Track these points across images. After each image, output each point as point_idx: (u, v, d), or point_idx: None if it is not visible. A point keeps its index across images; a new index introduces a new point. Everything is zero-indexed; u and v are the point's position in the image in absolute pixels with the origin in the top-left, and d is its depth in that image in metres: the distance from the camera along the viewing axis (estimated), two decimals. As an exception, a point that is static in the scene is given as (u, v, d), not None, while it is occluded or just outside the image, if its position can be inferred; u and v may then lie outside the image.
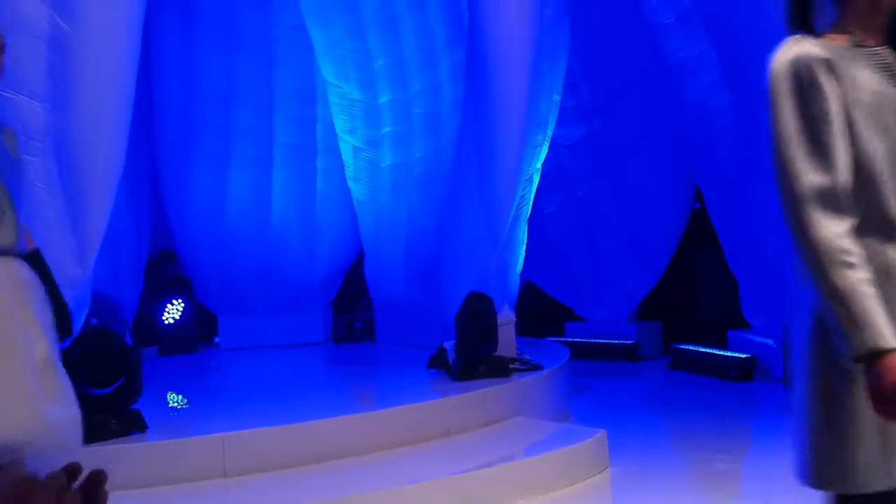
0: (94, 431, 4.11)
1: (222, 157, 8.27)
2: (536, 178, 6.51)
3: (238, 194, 8.32)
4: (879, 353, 1.75)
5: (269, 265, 8.37)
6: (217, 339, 8.46)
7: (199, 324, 8.38)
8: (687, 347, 8.06)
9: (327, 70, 7.98)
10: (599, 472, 4.54)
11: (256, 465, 4.16)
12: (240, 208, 8.32)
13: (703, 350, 7.84)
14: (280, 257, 8.38)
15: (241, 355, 7.97)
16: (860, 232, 1.88)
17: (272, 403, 5.37)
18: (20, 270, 2.96)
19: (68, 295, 4.47)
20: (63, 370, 2.99)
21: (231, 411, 5.28)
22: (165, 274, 8.64)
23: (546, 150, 6.61)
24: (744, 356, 7.30)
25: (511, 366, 5.63)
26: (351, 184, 8.18)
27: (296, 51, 8.28)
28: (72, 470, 0.95)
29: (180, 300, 8.19)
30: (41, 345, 2.78)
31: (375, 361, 7.69)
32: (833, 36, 2.08)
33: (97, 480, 0.94)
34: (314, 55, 8.10)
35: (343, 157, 8.18)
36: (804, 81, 1.99)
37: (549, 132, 6.61)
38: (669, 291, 8.93)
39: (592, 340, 8.75)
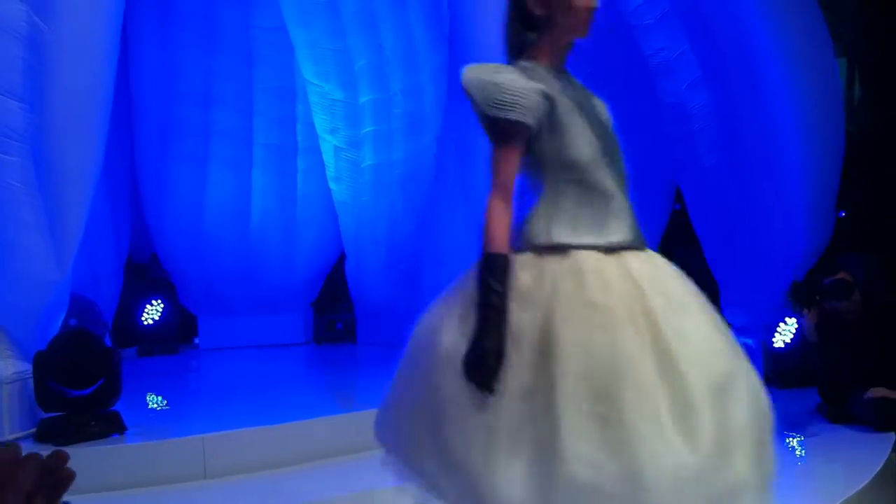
0: (73, 432, 4.09)
1: (202, 157, 8.22)
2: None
3: (218, 194, 8.27)
4: None
5: (250, 265, 8.34)
6: (196, 340, 8.41)
7: (179, 324, 8.33)
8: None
9: (308, 69, 7.96)
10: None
11: (237, 467, 4.15)
12: (220, 208, 8.27)
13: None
14: (260, 257, 8.35)
15: (221, 356, 7.93)
16: None
17: (252, 404, 5.35)
18: (647, 266, 2.31)
19: (46, 297, 4.44)
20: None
21: (211, 412, 5.25)
22: (153, 275, 8.58)
23: (527, 151, 6.62)
24: (724, 356, 7.32)
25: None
26: (332, 184, 8.16)
27: (276, 50, 8.25)
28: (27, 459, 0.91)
29: (160, 301, 8.14)
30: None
31: (356, 362, 7.68)
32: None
33: (59, 459, 0.91)
34: (294, 54, 8.08)
35: (324, 156, 8.16)
36: None
37: (530, 133, 6.62)
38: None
39: (573, 340, 8.75)
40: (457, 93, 6.18)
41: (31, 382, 4.24)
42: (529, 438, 2.05)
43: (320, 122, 8.05)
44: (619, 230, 2.33)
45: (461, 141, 6.10)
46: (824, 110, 6.71)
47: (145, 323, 8.09)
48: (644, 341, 2.12)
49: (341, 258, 8.51)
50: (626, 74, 8.43)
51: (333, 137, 8.02)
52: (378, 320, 7.75)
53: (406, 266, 7.17)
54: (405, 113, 7.38)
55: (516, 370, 2.10)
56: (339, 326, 8.45)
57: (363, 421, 4.64)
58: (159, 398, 5.89)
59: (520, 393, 2.09)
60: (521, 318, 2.16)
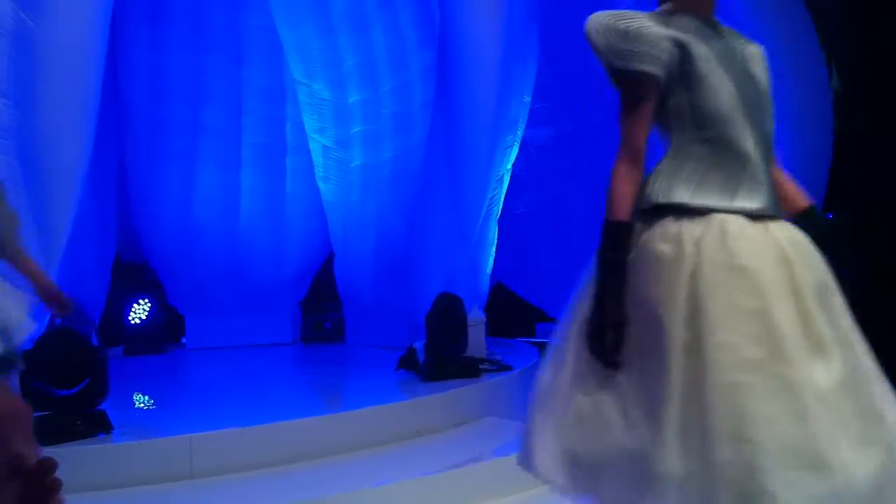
0: (59, 432, 4.06)
1: (190, 156, 8.20)
2: (506, 179, 6.52)
3: (206, 194, 8.25)
4: None
5: (238, 265, 8.31)
6: (184, 340, 8.38)
7: (166, 324, 8.30)
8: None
9: (297, 69, 7.94)
10: (568, 472, 4.54)
11: (224, 467, 4.13)
12: (208, 208, 8.25)
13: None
14: (248, 257, 8.32)
15: (209, 355, 7.90)
16: None
17: (240, 404, 5.33)
18: (780, 236, 2.06)
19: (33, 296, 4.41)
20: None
21: (198, 412, 5.23)
22: (143, 276, 8.55)
23: (516, 151, 6.62)
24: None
25: (481, 366, 5.63)
26: (320, 183, 8.14)
27: (265, 49, 8.23)
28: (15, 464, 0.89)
29: (147, 300, 8.10)
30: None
31: (344, 362, 7.67)
32: None
33: (47, 467, 0.88)
34: (283, 54, 8.06)
35: (312, 156, 8.14)
36: None
37: (520, 133, 6.62)
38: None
39: (562, 341, 8.75)
40: (445, 91, 6.19)
41: (16, 381, 4.21)
42: (684, 413, 1.92)
43: (309, 121, 8.04)
44: (753, 196, 2.12)
45: (449, 140, 6.09)
46: (811, 111, 6.73)
47: (132, 322, 8.05)
48: (793, 311, 1.98)
49: (330, 257, 8.49)
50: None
51: (322, 137, 8.00)
52: (366, 320, 7.73)
53: (394, 266, 7.15)
54: (394, 113, 7.37)
55: (672, 347, 1.96)
56: (327, 326, 8.43)
57: (351, 421, 4.64)
58: (146, 398, 5.87)
59: (675, 372, 1.95)
60: (668, 296, 2.01)
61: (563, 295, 8.44)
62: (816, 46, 6.77)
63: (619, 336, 2.04)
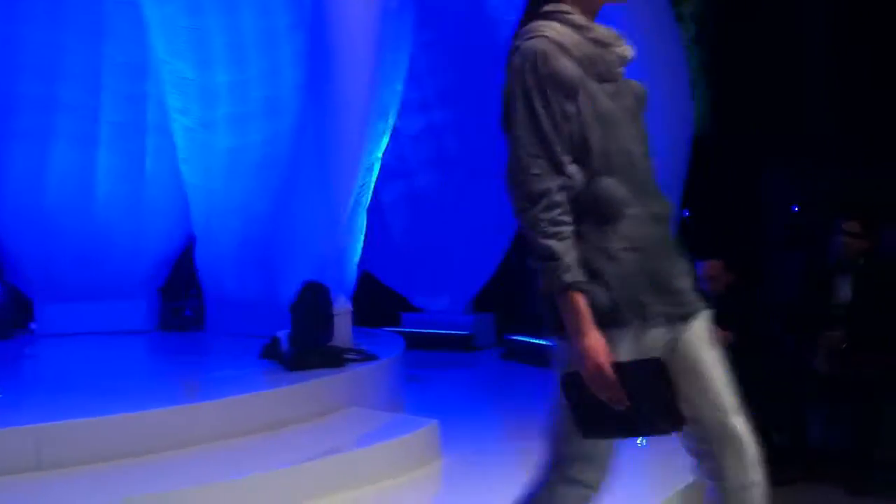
0: None
1: (43, 133, 7.81)
2: (376, 168, 6.49)
3: (60, 172, 7.88)
4: None
5: (93, 248, 7.98)
6: (33, 325, 7.99)
7: (14, 309, 7.89)
8: (519, 338, 8.24)
9: (160, 46, 7.66)
10: (431, 462, 4.57)
11: (73, 459, 3.96)
12: (61, 187, 7.88)
13: (535, 341, 8.03)
14: (104, 240, 8.00)
15: (60, 342, 7.56)
16: None
17: (91, 394, 5.11)
18: None
19: None
20: None
21: (47, 401, 4.99)
22: None
23: (387, 140, 6.59)
24: (572, 347, 7.52)
25: (345, 356, 5.59)
26: (182, 166, 7.90)
27: (127, 24, 7.91)
28: None
29: (-5, 283, 7.69)
30: None
31: (204, 351, 7.47)
32: None
33: None
34: (147, 29, 7.76)
35: (175, 137, 7.88)
36: None
37: (391, 122, 6.60)
38: (504, 283, 9.12)
39: (428, 331, 8.82)
40: (317, 77, 6.09)
41: None
42: None
43: (172, 101, 7.77)
44: None
45: (320, 126, 6.01)
46: (672, 111, 6.97)
47: (-22, 307, 7.62)
48: None
49: (191, 243, 8.25)
50: (490, 69, 8.52)
51: (185, 118, 7.75)
52: (229, 308, 7.55)
53: (259, 252, 7.01)
54: (263, 96, 7.20)
55: None
56: (188, 314, 8.19)
57: (210, 412, 4.53)
58: (-10, 386, 5.57)
59: None
60: None
61: (429, 285, 8.56)
62: (679, 47, 7.01)
63: None
